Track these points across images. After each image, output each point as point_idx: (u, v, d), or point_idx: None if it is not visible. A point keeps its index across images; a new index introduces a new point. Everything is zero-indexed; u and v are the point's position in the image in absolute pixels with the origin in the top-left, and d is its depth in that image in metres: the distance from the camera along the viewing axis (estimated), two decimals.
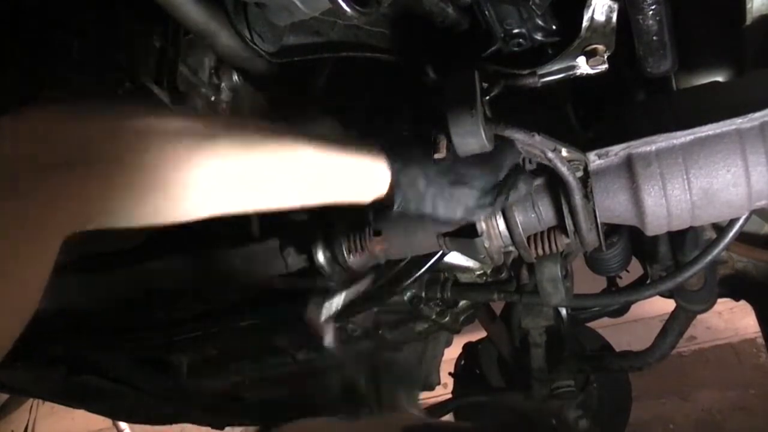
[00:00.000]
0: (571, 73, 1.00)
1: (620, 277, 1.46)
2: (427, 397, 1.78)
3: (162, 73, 1.07)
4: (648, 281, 1.36)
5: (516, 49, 1.03)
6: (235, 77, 1.23)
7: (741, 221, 1.05)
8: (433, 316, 1.35)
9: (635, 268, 1.40)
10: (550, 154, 0.91)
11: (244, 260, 1.14)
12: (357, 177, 0.89)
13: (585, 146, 0.92)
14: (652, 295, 1.28)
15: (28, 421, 3.67)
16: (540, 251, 1.04)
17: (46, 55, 0.90)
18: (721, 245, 1.09)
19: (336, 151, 0.85)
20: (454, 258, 1.27)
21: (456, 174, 0.92)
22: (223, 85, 1.22)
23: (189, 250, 1.17)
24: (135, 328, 1.31)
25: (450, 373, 1.84)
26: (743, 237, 1.28)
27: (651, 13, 0.91)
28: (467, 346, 1.89)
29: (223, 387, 1.47)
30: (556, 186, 0.96)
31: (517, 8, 0.98)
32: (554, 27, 1.02)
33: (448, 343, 1.61)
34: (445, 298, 1.33)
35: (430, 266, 1.16)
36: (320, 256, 1.06)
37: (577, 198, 0.92)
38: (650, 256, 1.35)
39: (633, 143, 0.90)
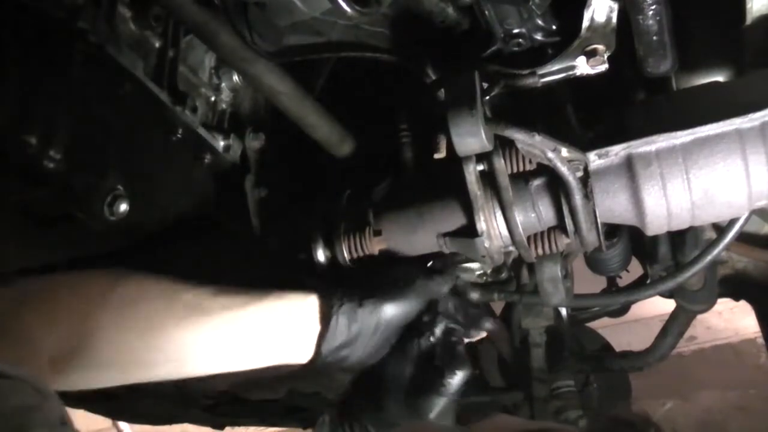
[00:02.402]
0: (571, 73, 1.00)
1: (620, 277, 1.46)
2: None
3: (162, 73, 1.07)
4: (648, 281, 1.36)
5: (516, 49, 1.03)
6: (235, 77, 1.23)
7: (741, 221, 1.05)
8: None
9: (635, 268, 1.40)
10: (550, 154, 0.91)
11: (245, 260, 1.14)
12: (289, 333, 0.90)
13: (585, 146, 0.92)
14: (652, 295, 1.28)
15: None
16: (540, 251, 1.04)
17: (47, 55, 0.90)
18: (721, 245, 1.09)
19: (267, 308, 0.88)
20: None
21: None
22: (223, 85, 1.23)
23: (189, 250, 1.17)
24: None
25: None
26: (743, 237, 1.28)
27: (651, 13, 0.91)
28: (467, 346, 1.89)
29: (223, 387, 1.47)
30: (556, 186, 0.96)
31: (517, 8, 0.98)
32: (554, 27, 1.02)
33: None
34: None
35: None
36: (320, 256, 1.06)
37: (577, 198, 0.92)
38: (650, 256, 1.35)
39: (633, 143, 0.90)
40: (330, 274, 1.07)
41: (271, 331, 0.89)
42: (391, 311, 0.91)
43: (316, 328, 0.89)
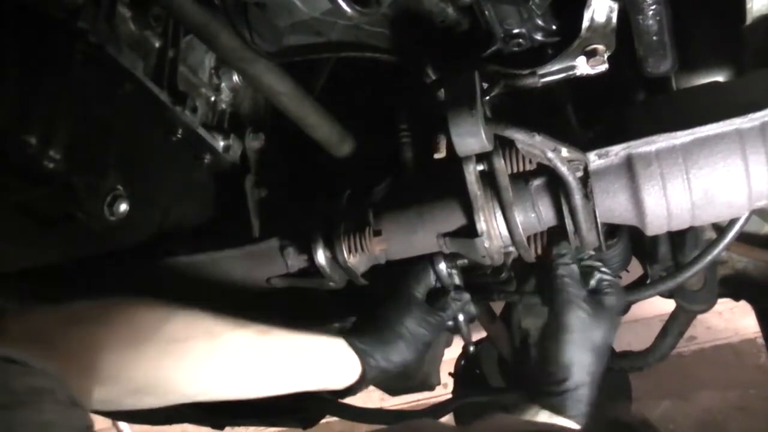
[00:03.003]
0: (571, 73, 1.00)
1: (620, 277, 1.46)
2: (427, 397, 1.78)
3: (162, 73, 1.07)
4: (648, 281, 1.36)
5: (516, 49, 1.03)
6: (235, 77, 1.23)
7: (741, 221, 1.05)
8: None
9: (635, 268, 1.40)
10: (550, 154, 0.91)
11: (244, 260, 1.14)
12: (329, 367, 1.00)
13: (585, 146, 0.92)
14: (652, 295, 1.28)
15: None
16: (540, 251, 1.04)
17: (47, 55, 0.90)
18: (721, 245, 1.09)
19: (305, 344, 0.98)
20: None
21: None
22: (223, 85, 1.23)
23: (189, 250, 1.16)
24: None
25: (450, 373, 1.83)
26: (743, 237, 1.28)
27: (651, 13, 0.91)
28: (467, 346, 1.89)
29: None
30: (556, 186, 0.95)
31: (517, 8, 0.98)
32: (554, 27, 1.02)
33: (448, 343, 1.60)
34: None
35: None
36: (320, 256, 1.06)
37: (577, 198, 0.92)
38: (650, 256, 1.35)
39: (633, 143, 0.90)
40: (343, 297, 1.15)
41: (313, 364, 0.99)
42: (393, 365, 1.03)
43: (355, 370, 1.01)
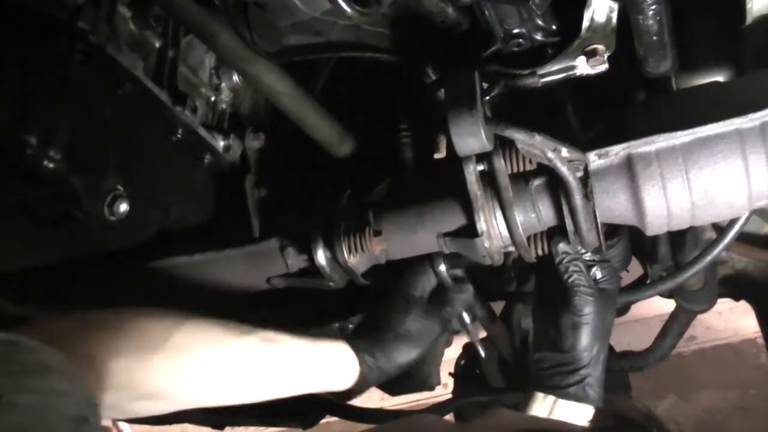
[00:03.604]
0: (571, 73, 1.00)
1: (620, 277, 1.46)
2: (427, 397, 1.78)
3: (162, 73, 1.07)
4: (648, 281, 1.36)
5: (516, 49, 1.03)
6: (235, 77, 1.23)
7: (741, 221, 1.05)
8: None
9: (635, 268, 1.40)
10: (550, 154, 0.90)
11: (244, 260, 1.14)
12: (332, 370, 1.01)
13: (585, 146, 0.92)
14: (652, 295, 1.28)
15: None
16: (540, 251, 1.04)
17: (47, 55, 0.90)
18: (721, 245, 1.09)
19: (308, 349, 0.99)
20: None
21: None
22: (223, 85, 1.22)
23: (189, 250, 1.16)
24: None
25: (450, 373, 1.83)
26: (743, 237, 1.28)
27: (651, 13, 0.91)
28: (467, 346, 1.89)
29: None
30: (556, 186, 0.95)
31: (517, 8, 0.98)
32: (554, 27, 1.02)
33: (448, 343, 1.60)
34: None
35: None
36: (320, 256, 1.06)
37: (577, 198, 0.92)
38: (650, 256, 1.35)
39: (633, 143, 0.90)
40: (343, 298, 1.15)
41: (314, 363, 1.00)
42: (394, 367, 1.04)
43: (355, 372, 1.02)
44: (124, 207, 0.99)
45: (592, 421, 1.00)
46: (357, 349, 1.02)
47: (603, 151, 0.91)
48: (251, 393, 0.96)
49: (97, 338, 0.79)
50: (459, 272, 1.12)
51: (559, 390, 1.05)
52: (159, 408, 0.88)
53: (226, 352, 0.91)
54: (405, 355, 1.04)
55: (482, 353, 1.26)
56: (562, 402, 1.04)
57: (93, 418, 0.63)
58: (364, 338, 1.04)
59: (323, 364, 1.01)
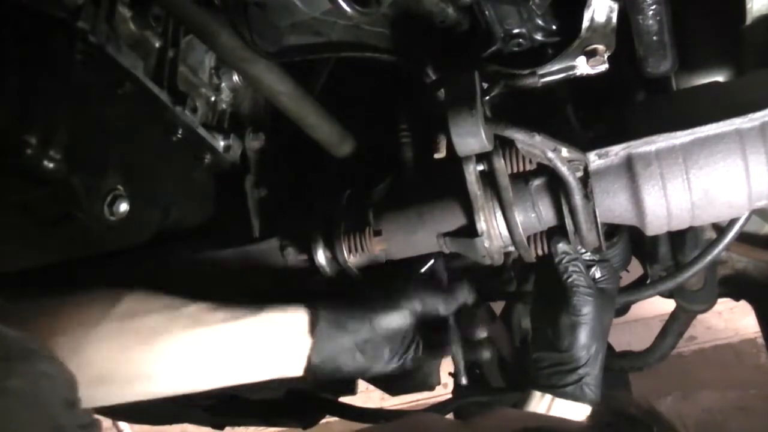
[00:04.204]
0: (571, 73, 1.00)
1: (620, 277, 1.46)
2: (427, 397, 1.78)
3: (162, 73, 1.07)
4: (648, 281, 1.36)
5: (516, 49, 1.03)
6: (235, 77, 1.23)
7: (741, 221, 1.05)
8: None
9: (635, 268, 1.40)
10: (550, 154, 0.90)
11: (244, 260, 1.14)
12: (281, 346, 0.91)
13: (585, 146, 0.92)
14: (652, 295, 1.28)
15: None
16: (540, 251, 1.04)
17: (47, 55, 0.90)
18: (721, 245, 1.09)
19: (254, 323, 0.89)
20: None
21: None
22: (223, 85, 1.22)
23: (189, 250, 1.17)
24: None
25: (450, 373, 1.84)
26: (743, 237, 1.28)
27: (651, 13, 0.91)
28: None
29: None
30: (556, 186, 0.95)
31: (517, 8, 0.98)
32: (554, 27, 1.02)
33: None
34: None
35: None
36: (320, 256, 1.06)
37: (577, 198, 0.92)
38: (650, 256, 1.35)
39: (633, 143, 0.90)
40: (336, 285, 1.10)
41: (266, 344, 0.91)
42: (384, 321, 0.94)
43: (307, 340, 0.91)
44: (124, 207, 0.99)
45: (592, 418, 1.00)
46: (314, 311, 0.92)
47: (603, 151, 0.91)
48: (216, 374, 0.88)
49: (37, 325, 0.75)
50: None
51: (556, 389, 1.05)
52: (116, 393, 0.81)
53: (182, 318, 0.83)
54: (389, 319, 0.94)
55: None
56: (559, 401, 1.04)
57: (78, 402, 0.62)
58: (333, 305, 0.94)
59: (268, 349, 0.90)
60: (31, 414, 0.56)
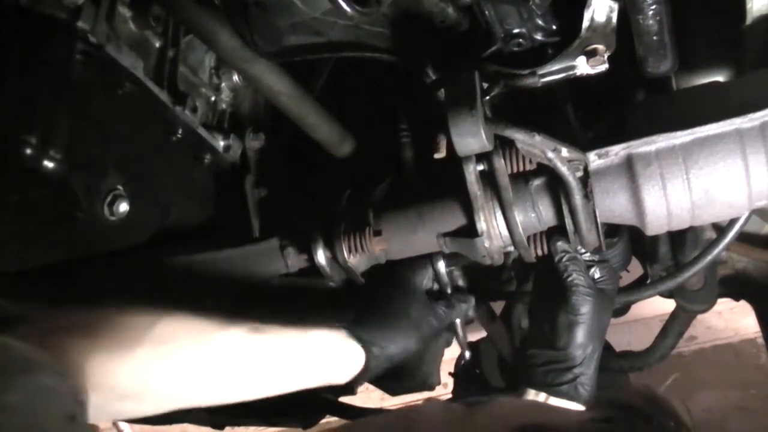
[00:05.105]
0: (571, 73, 1.00)
1: (620, 277, 1.46)
2: (427, 397, 1.78)
3: (162, 73, 1.07)
4: (648, 281, 1.36)
5: (516, 49, 1.03)
6: (235, 77, 1.23)
7: (741, 221, 1.05)
8: None
9: (635, 268, 1.40)
10: (550, 154, 0.90)
11: (244, 260, 1.14)
12: (331, 360, 0.97)
13: (585, 146, 0.92)
14: (652, 295, 1.28)
15: None
16: (540, 251, 1.04)
17: (47, 55, 0.90)
18: (721, 245, 1.09)
19: (303, 338, 0.95)
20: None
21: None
22: (223, 85, 1.23)
23: (189, 250, 1.17)
24: None
25: (450, 373, 1.83)
26: (743, 237, 1.28)
27: (651, 13, 0.91)
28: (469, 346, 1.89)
29: None
30: (556, 186, 0.95)
31: (517, 8, 0.98)
32: (554, 27, 1.01)
33: (448, 343, 1.60)
34: None
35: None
36: (320, 256, 1.06)
37: (577, 198, 0.92)
38: (650, 256, 1.35)
39: (633, 143, 0.90)
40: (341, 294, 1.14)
41: (313, 358, 0.96)
42: (398, 351, 1.01)
43: (358, 361, 0.98)
44: (124, 207, 0.99)
45: (590, 411, 1.00)
46: (357, 336, 0.98)
47: (603, 151, 0.91)
48: (242, 389, 0.91)
49: (74, 340, 0.76)
50: (460, 282, 1.11)
51: (550, 387, 1.05)
52: (142, 409, 0.83)
53: (211, 344, 0.86)
54: (407, 340, 1.01)
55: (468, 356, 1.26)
56: (553, 399, 1.04)
57: (80, 416, 0.62)
58: (365, 326, 1.00)
59: (321, 355, 0.96)
60: (28, 430, 0.56)
